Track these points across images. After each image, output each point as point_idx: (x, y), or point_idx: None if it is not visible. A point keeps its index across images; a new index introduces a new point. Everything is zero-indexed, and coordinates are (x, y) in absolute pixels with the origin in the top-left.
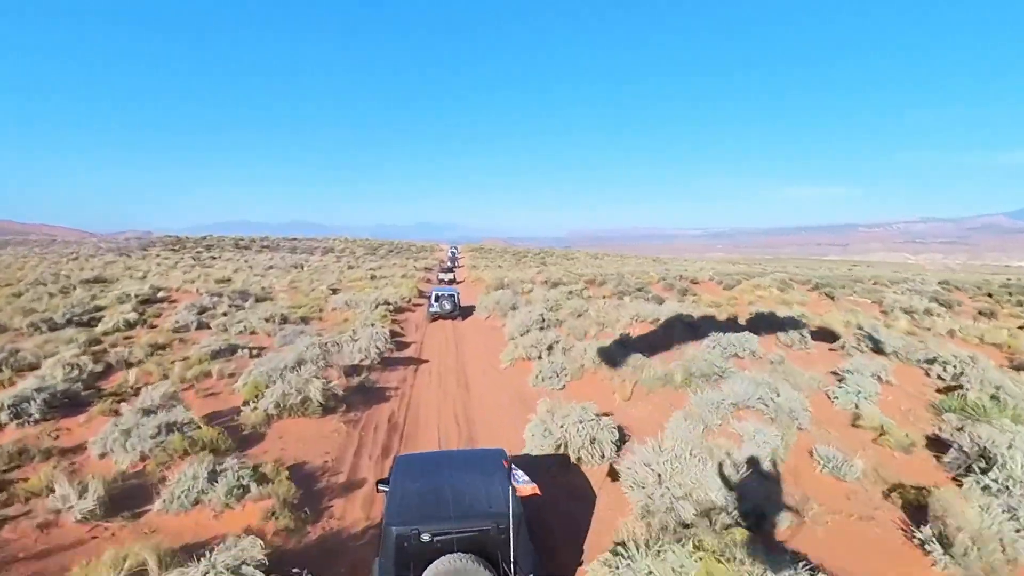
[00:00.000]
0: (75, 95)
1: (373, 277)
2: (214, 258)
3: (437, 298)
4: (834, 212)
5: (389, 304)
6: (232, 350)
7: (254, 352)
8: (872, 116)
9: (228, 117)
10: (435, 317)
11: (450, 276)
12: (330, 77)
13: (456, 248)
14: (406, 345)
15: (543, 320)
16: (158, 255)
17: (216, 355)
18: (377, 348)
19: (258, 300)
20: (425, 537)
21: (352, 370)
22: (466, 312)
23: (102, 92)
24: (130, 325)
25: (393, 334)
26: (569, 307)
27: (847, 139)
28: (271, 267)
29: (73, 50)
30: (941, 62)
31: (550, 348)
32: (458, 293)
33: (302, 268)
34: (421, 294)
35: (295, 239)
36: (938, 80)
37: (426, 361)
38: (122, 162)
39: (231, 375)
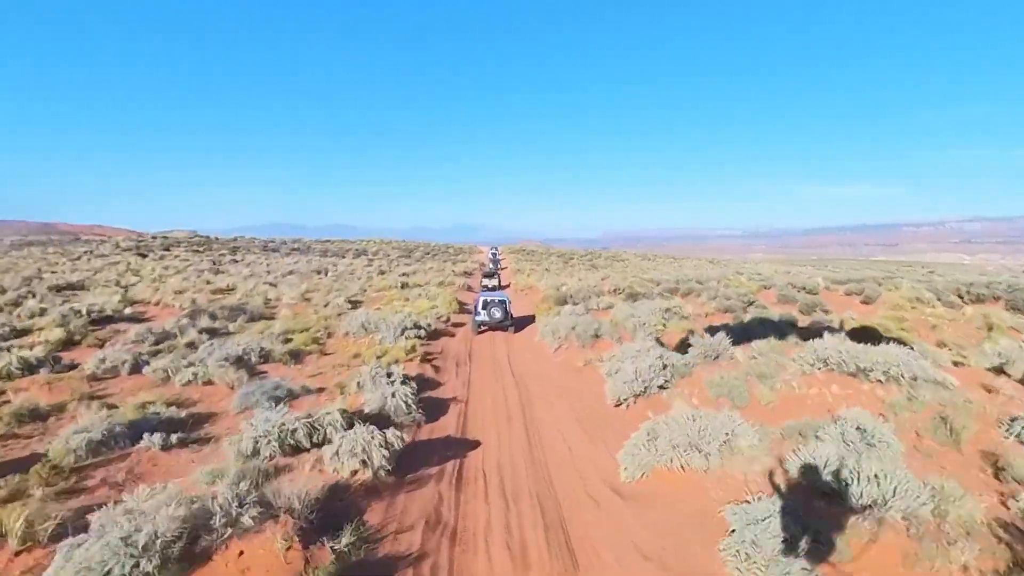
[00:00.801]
0: (130, 98)
1: (404, 286)
2: (236, 260)
3: (485, 305)
4: (880, 211)
5: (420, 328)
6: (129, 435)
7: (169, 439)
8: (921, 111)
9: (277, 121)
10: (482, 328)
11: (494, 282)
12: (372, 79)
13: (497, 250)
14: (441, 406)
15: (664, 367)
16: (176, 256)
17: (90, 450)
18: (384, 447)
19: (252, 319)
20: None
21: (328, 502)
22: (519, 323)
23: (158, 94)
24: (29, 368)
25: (420, 384)
26: (676, 332)
27: (895, 136)
28: (291, 272)
29: (124, 53)
30: (992, 55)
31: (725, 441)
32: (509, 299)
33: (325, 274)
34: (462, 307)
35: (328, 241)
36: (991, 74)
37: (475, 444)
38: (175, 163)
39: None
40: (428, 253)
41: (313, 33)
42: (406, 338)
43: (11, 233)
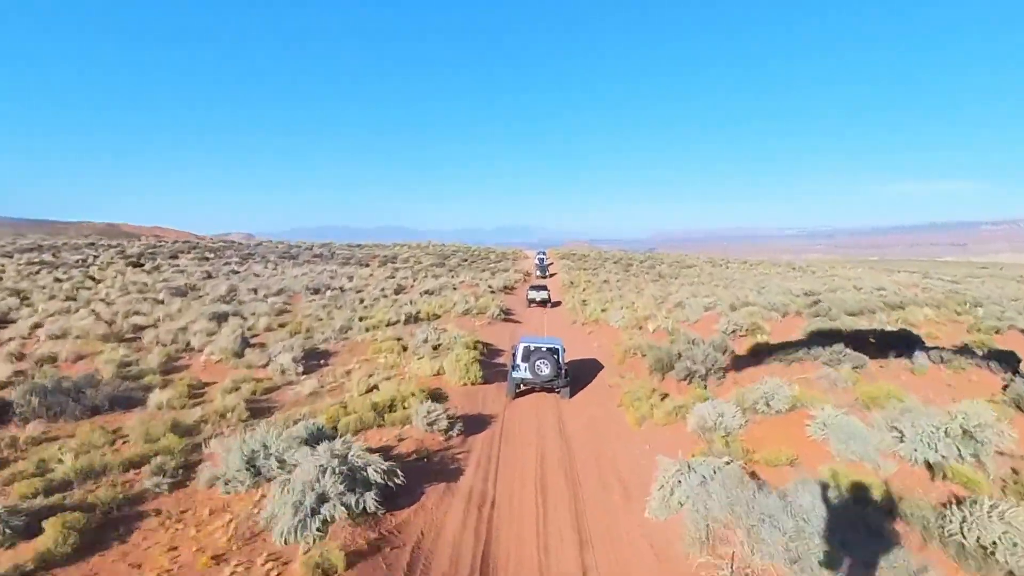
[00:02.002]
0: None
1: (412, 319)
2: (235, 271)
3: (527, 355)
4: (952, 209)
5: (388, 473)
6: None
7: None
8: (996, 101)
9: (331, 123)
10: (520, 390)
11: (543, 295)
12: (425, 81)
13: (545, 255)
14: None
15: None
16: (175, 267)
17: None
18: None
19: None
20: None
21: None
22: (579, 377)
23: (215, 98)
24: None
25: None
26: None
27: (969, 129)
28: (279, 291)
29: (185, 61)
30: None
31: None
32: (563, 349)
33: (324, 293)
34: (491, 356)
35: (358, 246)
36: None
37: None
38: (233, 165)
39: None
40: (466, 260)
41: (364, 34)
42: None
43: (75, 235)
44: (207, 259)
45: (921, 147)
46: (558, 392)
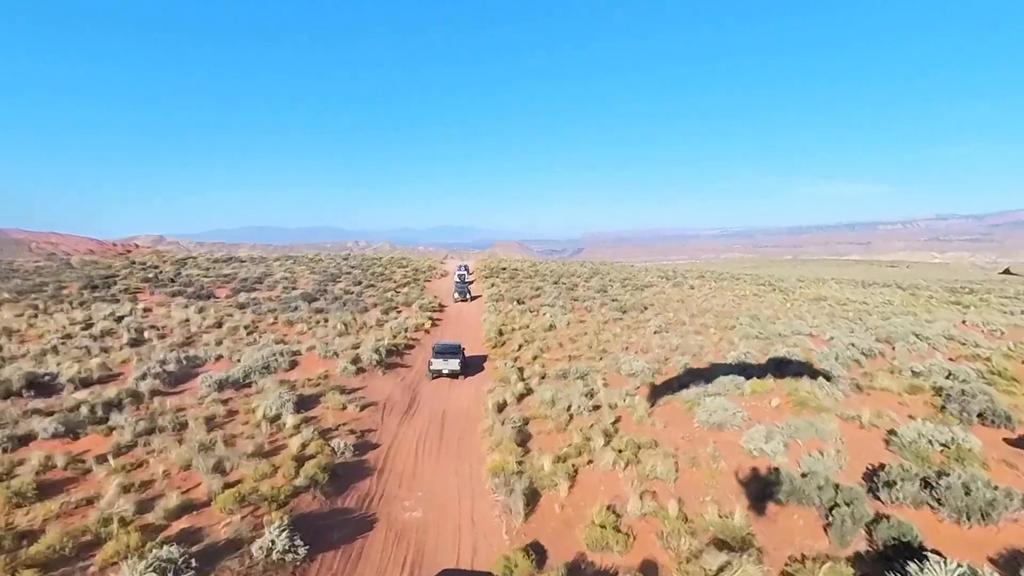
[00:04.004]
0: (84, 98)
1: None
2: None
3: None
4: (855, 210)
5: None
6: None
7: None
8: (893, 109)
9: (242, 119)
10: None
11: (452, 366)
12: (358, 77)
13: (467, 270)
14: None
15: None
16: None
17: None
18: None
19: None
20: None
21: None
22: None
23: (111, 95)
24: None
25: None
26: None
27: (870, 134)
28: None
29: (79, 53)
30: (960, 55)
31: None
32: None
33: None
34: None
35: (225, 260)
36: (959, 73)
37: None
38: (135, 166)
39: None
40: (359, 283)
41: (288, 31)
42: None
43: None
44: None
45: (829, 151)
46: None
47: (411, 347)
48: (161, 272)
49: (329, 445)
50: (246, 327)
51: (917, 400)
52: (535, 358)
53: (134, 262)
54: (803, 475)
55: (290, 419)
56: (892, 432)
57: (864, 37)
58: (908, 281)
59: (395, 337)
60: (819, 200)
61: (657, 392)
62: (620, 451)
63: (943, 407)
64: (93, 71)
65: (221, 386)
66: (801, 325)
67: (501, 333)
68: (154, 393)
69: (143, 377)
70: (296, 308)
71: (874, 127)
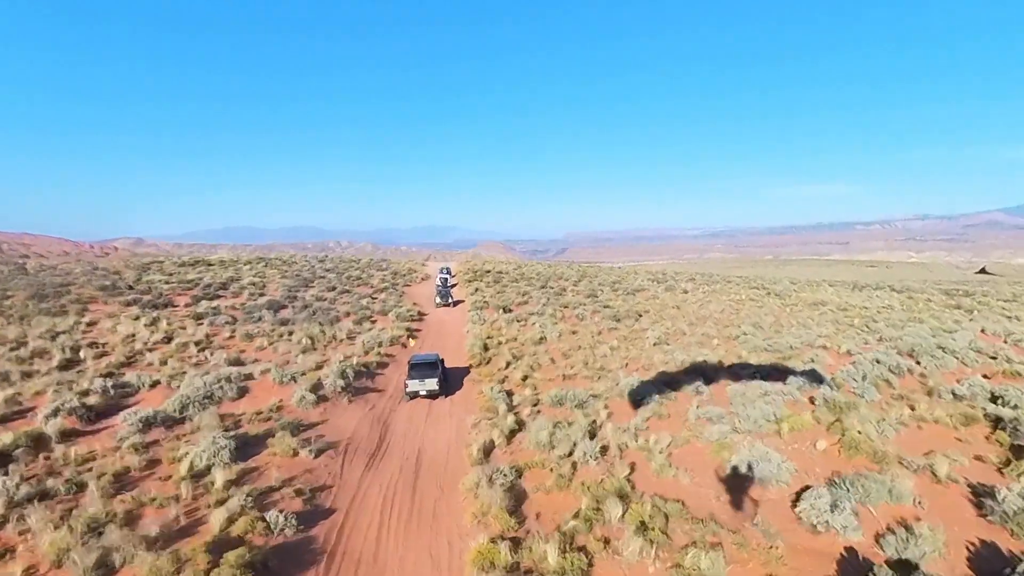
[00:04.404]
0: (65, 95)
1: None
2: None
3: None
4: (834, 210)
5: None
6: None
7: None
8: (870, 111)
9: (227, 119)
10: None
11: (430, 386)
12: (345, 76)
13: (448, 273)
14: None
15: None
16: None
17: None
18: None
19: None
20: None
21: None
22: None
23: (94, 92)
24: None
25: None
26: None
27: (848, 135)
28: None
29: (62, 47)
30: (935, 60)
31: None
32: None
33: None
34: None
35: (190, 263)
36: (935, 77)
37: None
38: (116, 167)
39: None
40: (333, 288)
41: (267, 29)
42: None
43: None
44: None
45: (807, 152)
46: None
47: (385, 364)
48: (121, 278)
49: (264, 519)
50: (198, 343)
51: (976, 433)
52: (525, 378)
53: (96, 268)
54: (892, 564)
55: (220, 476)
56: (977, 491)
57: (841, 41)
58: (898, 282)
59: (367, 354)
60: (798, 200)
61: (672, 424)
62: (647, 528)
63: (1015, 445)
64: (78, 67)
65: (148, 424)
66: (809, 335)
67: (486, 348)
68: (64, 435)
69: (55, 414)
70: (259, 319)
71: (852, 129)
